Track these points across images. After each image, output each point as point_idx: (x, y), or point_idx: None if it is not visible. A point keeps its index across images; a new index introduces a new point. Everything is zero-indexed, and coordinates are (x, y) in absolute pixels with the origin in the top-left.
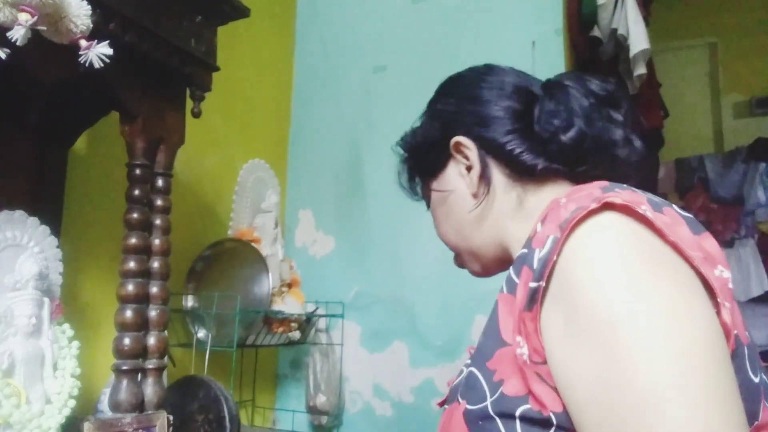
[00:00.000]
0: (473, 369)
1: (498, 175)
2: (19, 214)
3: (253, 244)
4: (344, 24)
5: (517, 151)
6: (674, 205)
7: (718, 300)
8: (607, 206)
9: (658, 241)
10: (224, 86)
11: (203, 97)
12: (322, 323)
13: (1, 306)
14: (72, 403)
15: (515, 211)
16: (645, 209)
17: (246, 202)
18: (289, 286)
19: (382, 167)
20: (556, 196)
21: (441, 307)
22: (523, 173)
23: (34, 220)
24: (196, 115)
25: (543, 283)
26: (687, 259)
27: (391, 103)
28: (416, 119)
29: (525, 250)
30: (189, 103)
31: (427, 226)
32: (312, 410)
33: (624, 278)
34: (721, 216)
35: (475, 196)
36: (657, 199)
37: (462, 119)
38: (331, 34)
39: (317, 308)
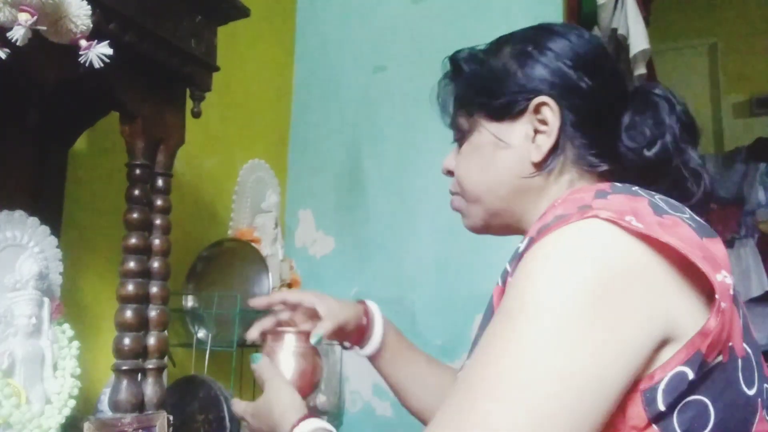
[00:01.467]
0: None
1: (566, 152)
2: (19, 214)
3: (253, 244)
4: (344, 24)
5: (594, 142)
6: (687, 210)
7: (716, 297)
8: (591, 217)
9: (638, 255)
10: (224, 86)
11: (203, 97)
12: None
13: (1, 306)
14: (72, 403)
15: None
16: (630, 219)
17: (246, 202)
18: (289, 286)
19: (382, 167)
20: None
21: (441, 307)
22: (584, 161)
23: (34, 220)
24: (196, 115)
25: (510, 278)
26: (684, 257)
27: (391, 103)
28: (483, 44)
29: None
30: (189, 103)
31: (428, 226)
32: (312, 410)
33: (557, 287)
34: (721, 216)
35: (536, 166)
36: (663, 204)
37: (557, 82)
38: (331, 34)
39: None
